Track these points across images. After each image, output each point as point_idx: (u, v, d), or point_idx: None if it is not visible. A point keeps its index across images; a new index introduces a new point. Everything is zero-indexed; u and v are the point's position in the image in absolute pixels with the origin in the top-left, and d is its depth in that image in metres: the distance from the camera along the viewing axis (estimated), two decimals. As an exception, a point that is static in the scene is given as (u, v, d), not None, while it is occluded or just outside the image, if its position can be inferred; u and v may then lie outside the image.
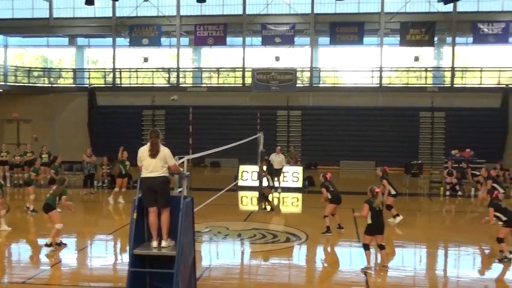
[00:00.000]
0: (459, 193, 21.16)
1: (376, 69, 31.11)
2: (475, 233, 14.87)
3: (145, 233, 8.92)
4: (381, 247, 11.21)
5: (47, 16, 33.67)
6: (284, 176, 21.41)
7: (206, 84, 33.25)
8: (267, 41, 31.51)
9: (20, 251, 13.62)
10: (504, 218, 12.02)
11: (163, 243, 8.73)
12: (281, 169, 20.75)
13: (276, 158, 20.44)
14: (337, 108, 30.18)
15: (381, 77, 31.06)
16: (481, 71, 30.65)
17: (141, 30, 32.18)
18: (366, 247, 11.16)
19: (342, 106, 30.17)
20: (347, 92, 30.74)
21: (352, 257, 12.70)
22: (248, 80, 31.48)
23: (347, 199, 19.15)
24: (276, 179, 20.38)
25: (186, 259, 8.91)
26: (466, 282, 10.92)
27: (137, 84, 33.25)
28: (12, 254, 13.30)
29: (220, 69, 34.05)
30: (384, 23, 30.70)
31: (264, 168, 18.12)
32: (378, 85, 30.93)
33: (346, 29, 30.73)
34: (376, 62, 31.19)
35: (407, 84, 31.68)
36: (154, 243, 8.71)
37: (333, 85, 31.99)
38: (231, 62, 35.23)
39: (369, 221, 11.11)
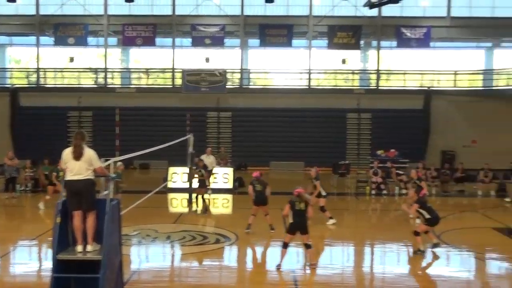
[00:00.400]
0: (384, 192, 21.80)
1: (305, 71, 31.59)
2: (399, 230, 15.38)
3: (69, 237, 8.66)
4: (306, 246, 11.36)
5: (-34, 13, 32.13)
6: (214, 178, 21.32)
7: (135, 85, 32.67)
8: (197, 42, 31.35)
9: None
10: (427, 216, 12.52)
11: (88, 247, 8.51)
12: (211, 170, 20.67)
13: (207, 160, 20.35)
14: (267, 110, 30.42)
15: (309, 79, 31.57)
16: (404, 73, 31.76)
17: (66, 29, 31.21)
18: (284, 245, 11.36)
19: (272, 107, 30.45)
20: (276, 94, 31.06)
21: (278, 254, 12.76)
22: (178, 81, 31.21)
23: (277, 199, 19.34)
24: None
25: (112, 263, 8.71)
26: (391, 278, 11.25)
27: (62, 84, 32.20)
28: None
29: (149, 70, 33.55)
30: (313, 26, 31.24)
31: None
32: (307, 87, 31.42)
33: (276, 31, 31.05)
34: (305, 64, 31.68)
35: (335, 86, 32.36)
36: (79, 248, 8.48)
37: (263, 86, 32.26)
38: (161, 63, 34.85)
39: (291, 220, 11.29)
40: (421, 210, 12.67)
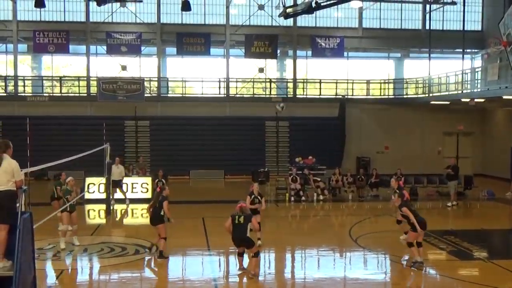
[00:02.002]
0: (303, 198, 22.15)
1: (223, 79, 31.65)
2: (319, 236, 15.67)
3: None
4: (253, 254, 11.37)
5: None
6: (133, 188, 20.91)
7: (48, 93, 31.43)
8: (113, 50, 30.64)
9: None
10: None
11: (-2, 264, 8.03)
12: (120, 180, 20.29)
13: (116, 170, 19.93)
14: (186, 118, 30.19)
15: (228, 88, 31.64)
16: (320, 82, 32.51)
17: (-27, 35, 29.62)
18: (239, 254, 11.58)
19: (191, 116, 30.25)
20: (195, 102, 30.89)
21: (203, 266, 12.67)
22: (94, 90, 30.35)
23: (198, 208, 19.23)
24: (117, 190, 19.97)
25: (25, 279, 8.26)
26: (311, 283, 11.42)
27: (-32, 93, 30.48)
28: None
29: (63, 78, 32.41)
30: (230, 35, 31.37)
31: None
32: (225, 95, 31.48)
33: (193, 39, 30.92)
34: (223, 72, 31.75)
35: (253, 94, 32.64)
36: (-11, 264, 7.97)
37: (181, 95, 31.94)
38: (75, 71, 33.75)
39: (231, 234, 11.38)
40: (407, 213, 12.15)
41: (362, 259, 13.41)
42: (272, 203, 22.19)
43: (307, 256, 13.70)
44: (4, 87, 30.78)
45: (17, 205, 8.74)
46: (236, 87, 32.21)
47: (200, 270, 12.36)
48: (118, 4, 29.88)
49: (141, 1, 29.54)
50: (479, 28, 33.63)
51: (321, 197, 22.17)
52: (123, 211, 19.83)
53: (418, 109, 31.51)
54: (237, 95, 31.93)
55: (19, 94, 30.40)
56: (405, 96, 32.61)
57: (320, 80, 32.62)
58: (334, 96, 32.13)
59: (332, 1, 27.18)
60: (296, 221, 19.95)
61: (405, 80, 33.36)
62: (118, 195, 20.36)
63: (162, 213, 12.80)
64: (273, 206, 21.74)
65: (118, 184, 20.12)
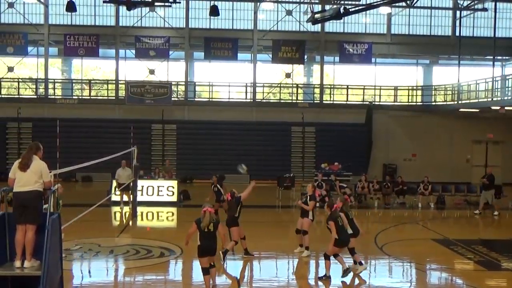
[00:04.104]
0: (328, 204, 21.97)
1: (250, 84, 31.74)
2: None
3: (7, 252, 8.30)
4: (211, 266, 10.60)
5: None
6: (159, 191, 21.08)
7: (78, 96, 31.93)
8: (141, 54, 30.98)
9: None
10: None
11: (26, 263, 8.19)
12: (128, 184, 20.32)
13: (123, 173, 20.01)
14: (213, 122, 30.33)
15: (254, 93, 31.73)
16: (347, 88, 32.37)
17: (5, 38, 30.21)
18: (205, 271, 10.51)
19: (217, 120, 30.38)
20: (222, 107, 31.03)
21: (228, 270, 12.69)
22: (122, 93, 30.71)
23: (223, 213, 19.23)
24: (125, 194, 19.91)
25: (53, 279, 8.40)
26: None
27: (1, 95, 31.07)
28: None
29: (92, 81, 32.88)
30: (257, 40, 31.45)
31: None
32: (252, 100, 31.55)
33: (221, 44, 31.07)
34: (250, 77, 31.84)
35: (280, 99, 32.65)
36: (17, 263, 8.15)
37: (208, 99, 32.13)
38: (104, 74, 34.24)
39: (198, 243, 10.39)
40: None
41: (387, 267, 13.29)
42: (298, 209, 22.10)
43: (332, 263, 13.60)
44: (35, 90, 31.35)
45: (45, 205, 8.91)
46: (263, 92, 32.27)
47: (223, 276, 12.38)
48: (147, 8, 30.24)
49: (170, 6, 29.77)
50: (511, 35, 33.11)
51: (347, 203, 21.99)
52: (149, 214, 19.98)
53: (446, 117, 31.14)
54: (264, 100, 31.98)
55: (49, 97, 30.92)
56: (433, 103, 32.23)
57: (347, 86, 32.48)
58: (361, 102, 31.96)
59: (360, 7, 27.14)
60: (321, 227, 19.78)
61: (433, 87, 32.99)
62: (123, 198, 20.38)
63: (237, 215, 13.13)
64: (299, 212, 21.63)
65: (126, 187, 19.97)
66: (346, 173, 23.92)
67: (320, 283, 11.86)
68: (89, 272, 12.43)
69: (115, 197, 20.68)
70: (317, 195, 15.09)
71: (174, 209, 20.75)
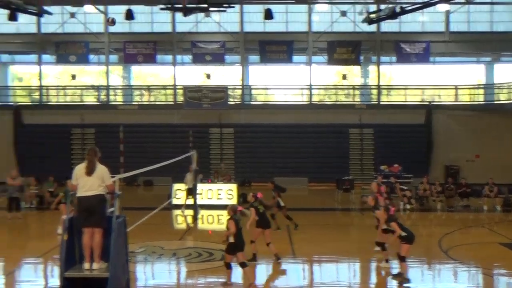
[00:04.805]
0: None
1: (306, 86, 31.62)
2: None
3: (77, 254, 8.55)
4: (243, 264, 10.96)
5: (-32, 32, 32.22)
6: (218, 194, 21.26)
7: (137, 102, 32.66)
8: (198, 59, 31.39)
9: None
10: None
11: (94, 265, 8.41)
12: (191, 188, 20.45)
13: (189, 177, 20.14)
14: (269, 125, 30.36)
15: (310, 95, 31.58)
16: (405, 89, 31.76)
17: (67, 47, 31.26)
18: (228, 265, 10.97)
19: (274, 123, 30.37)
20: (278, 109, 31.01)
21: (288, 273, 12.65)
22: (180, 98, 31.19)
23: (282, 216, 19.20)
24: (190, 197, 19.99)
25: (120, 281, 8.61)
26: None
27: (65, 102, 32.17)
28: None
29: (151, 87, 33.56)
30: (312, 42, 31.30)
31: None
32: (308, 103, 31.42)
33: (275, 47, 31.10)
34: (306, 80, 31.72)
35: (336, 101, 32.35)
36: (86, 265, 8.39)
37: (264, 102, 32.20)
38: (162, 80, 34.90)
39: (232, 240, 10.78)
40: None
41: (452, 272, 12.91)
42: (357, 212, 21.87)
43: (394, 267, 13.33)
44: (97, 96, 32.27)
45: (111, 209, 9.12)
46: (319, 94, 32.06)
47: (285, 278, 12.36)
48: (203, 14, 30.61)
49: (225, 11, 30.06)
50: None
51: (407, 206, 21.58)
52: (209, 217, 20.17)
53: (511, 116, 29.99)
54: (320, 102, 31.78)
55: (110, 103, 31.76)
56: (496, 102, 31.10)
57: (405, 86, 31.85)
58: (420, 103, 31.27)
59: (417, 6, 26.59)
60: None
61: (496, 85, 31.87)
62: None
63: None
64: (358, 215, 21.41)
65: (190, 191, 20.13)
66: (406, 175, 23.42)
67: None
68: (153, 274, 12.65)
69: (176, 201, 20.99)
70: (382, 190, 14.85)
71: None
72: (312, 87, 31.62)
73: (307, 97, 31.66)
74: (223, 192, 21.45)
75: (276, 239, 15.16)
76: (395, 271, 11.96)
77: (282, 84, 32.26)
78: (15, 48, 32.67)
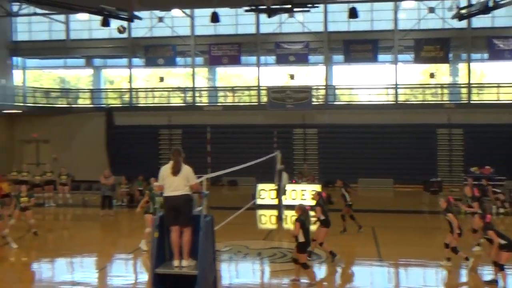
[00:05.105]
0: (479, 211, 20.73)
1: (391, 86, 30.98)
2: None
3: (167, 252, 8.84)
4: (305, 265, 11.23)
5: (64, 38, 34.07)
6: (302, 195, 21.27)
7: (222, 103, 33.31)
8: (281, 59, 31.54)
9: (42, 270, 13.60)
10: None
11: (184, 263, 8.65)
12: (284, 187, 20.59)
13: (285, 176, 20.25)
14: (354, 126, 30.00)
15: (396, 94, 30.92)
16: (498, 87, 30.37)
17: (156, 50, 32.39)
18: (306, 265, 11.19)
19: (358, 123, 29.97)
20: (363, 110, 30.58)
21: (373, 277, 12.48)
22: (264, 99, 31.48)
23: (367, 217, 19.01)
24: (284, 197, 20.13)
25: (207, 279, 8.83)
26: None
27: (153, 104, 33.34)
28: (35, 274, 13.29)
29: (235, 88, 34.11)
30: (398, 41, 30.61)
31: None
32: (394, 102, 30.76)
33: (360, 46, 30.70)
34: (391, 79, 31.07)
35: (423, 101, 31.45)
36: (176, 262, 8.64)
37: (348, 102, 31.87)
38: (246, 81, 35.36)
39: (302, 239, 11.07)
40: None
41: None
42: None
43: (485, 274, 12.81)
44: (183, 98, 33.21)
45: (199, 208, 9.37)
46: (405, 94, 31.32)
47: (370, 281, 12.21)
48: (287, 15, 30.72)
49: (309, 11, 29.97)
50: None
51: (501, 210, 20.61)
52: (293, 217, 20.18)
53: None
54: (406, 102, 31.04)
55: (196, 104, 32.59)
56: None
57: (498, 84, 30.46)
58: (514, 102, 29.78)
59: (512, -1, 25.34)
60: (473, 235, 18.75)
61: None
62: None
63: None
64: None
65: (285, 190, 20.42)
66: (499, 177, 22.41)
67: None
68: (237, 273, 12.86)
69: (259, 201, 21.23)
70: (476, 194, 14.39)
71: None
72: (398, 86, 30.94)
73: (392, 96, 31.01)
74: (307, 193, 21.41)
75: (361, 242, 15.10)
76: (489, 277, 11.51)
77: (367, 84, 31.78)
78: (108, 53, 34.21)
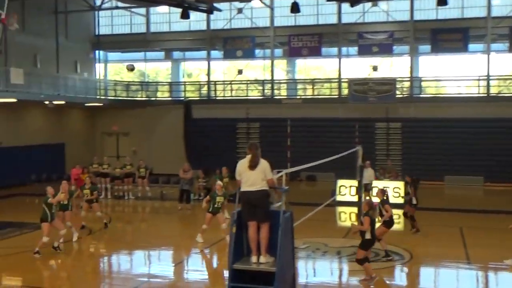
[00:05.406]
0: None
1: (483, 77, 29.77)
2: None
3: (244, 247, 8.93)
4: (364, 260, 11.30)
5: (145, 31, 35.17)
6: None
7: (301, 96, 33.24)
8: (364, 50, 31.03)
9: (120, 262, 14.14)
10: None
11: (262, 259, 8.68)
12: (370, 184, 20.29)
13: (365, 173, 19.93)
14: (441, 120, 29.08)
15: (488, 86, 29.70)
16: None
17: (235, 42, 32.75)
18: (363, 261, 11.23)
19: (445, 117, 29.01)
20: (450, 103, 29.58)
21: (460, 280, 12.09)
22: (345, 91, 31.15)
23: (454, 217, 18.44)
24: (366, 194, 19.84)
25: (286, 276, 8.84)
26: None
27: (231, 96, 33.77)
28: (112, 265, 13.84)
29: (315, 81, 33.93)
30: (491, 29, 29.35)
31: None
32: (485, 95, 29.56)
33: (449, 36, 29.69)
34: (483, 70, 29.85)
35: (519, 93, 30.04)
36: (253, 258, 8.68)
37: (435, 95, 30.95)
38: (326, 73, 35.10)
39: (369, 236, 11.11)
40: None
41: None
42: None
43: None
44: (261, 91, 33.41)
45: (278, 203, 9.39)
46: (498, 85, 30.01)
47: (456, 285, 11.84)
48: (370, 3, 30.22)
49: (394, -1, 29.42)
50: None
51: None
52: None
53: None
54: (499, 94, 29.74)
55: (274, 97, 32.71)
56: None
57: None
58: None
59: None
60: None
61: None
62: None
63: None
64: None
65: (367, 187, 20.14)
66: None
67: None
68: (315, 271, 12.82)
69: (339, 197, 21.08)
70: None
71: (400, 211, 20.32)
72: (490, 77, 29.70)
73: (483, 88, 29.83)
74: (390, 190, 20.97)
75: (448, 243, 14.66)
76: None
77: (456, 75, 30.71)
78: (187, 45, 34.99)
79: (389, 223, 13.31)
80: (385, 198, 13.50)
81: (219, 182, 16.31)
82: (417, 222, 16.06)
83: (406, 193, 16.39)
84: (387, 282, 11.82)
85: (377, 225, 13.37)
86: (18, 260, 13.28)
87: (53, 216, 13.64)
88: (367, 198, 13.35)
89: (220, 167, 22.90)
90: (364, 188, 19.70)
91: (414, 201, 16.16)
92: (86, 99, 30.47)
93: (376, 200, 13.83)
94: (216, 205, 15.01)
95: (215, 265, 13.66)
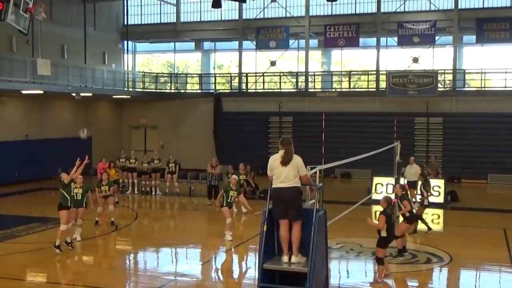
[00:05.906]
0: None
1: (532, 70, 29.26)
2: None
3: (275, 246, 8.98)
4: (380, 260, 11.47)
5: (174, 21, 35.43)
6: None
7: (337, 88, 33.12)
8: (404, 41, 30.77)
9: (146, 259, 14.37)
10: None
11: (293, 259, 8.70)
12: (415, 181, 20.08)
13: (410, 170, 19.76)
14: (485, 115, 28.68)
15: (538, 80, 29.17)
16: None
17: (268, 32, 32.77)
18: (380, 261, 11.38)
19: (490, 112, 28.62)
20: (496, 96, 29.15)
21: (501, 283, 11.98)
22: (382, 84, 30.94)
23: (497, 218, 18.21)
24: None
25: (318, 277, 8.85)
26: None
27: (263, 89, 33.82)
28: (138, 263, 14.08)
29: (351, 73, 33.76)
30: (543, 17, 28.79)
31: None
32: (535, 89, 29.06)
33: (496, 25, 29.24)
34: (532, 62, 29.35)
35: None
36: (285, 258, 8.71)
37: (480, 88, 30.51)
38: (363, 65, 34.87)
39: (384, 234, 11.25)
40: None
41: None
42: None
43: None
44: (295, 83, 33.39)
45: (311, 201, 9.43)
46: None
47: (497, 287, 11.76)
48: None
49: (437, -13, 29.06)
50: None
51: None
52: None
53: None
54: (550, 88, 29.21)
55: (309, 90, 32.66)
56: None
57: None
58: None
59: None
60: None
61: None
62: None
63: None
64: None
65: (413, 185, 19.83)
66: None
67: None
68: (348, 272, 12.83)
69: (375, 196, 20.97)
70: None
71: (440, 211, 20.21)
72: (541, 70, 29.15)
73: (534, 82, 29.29)
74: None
75: (491, 246, 14.49)
76: None
77: (502, 67, 30.23)
78: (218, 36, 35.12)
79: (410, 218, 13.56)
80: (404, 193, 13.54)
81: (234, 176, 16.44)
82: (417, 223, 16.01)
83: (421, 193, 16.23)
84: (425, 285, 11.77)
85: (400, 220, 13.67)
86: (43, 255, 13.60)
87: (73, 199, 13.91)
88: (386, 195, 13.48)
89: (251, 162, 23.02)
90: (408, 186, 19.43)
91: (426, 202, 16.13)
92: (113, 91, 30.81)
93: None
94: (229, 200, 15.19)
95: (244, 264, 13.77)
